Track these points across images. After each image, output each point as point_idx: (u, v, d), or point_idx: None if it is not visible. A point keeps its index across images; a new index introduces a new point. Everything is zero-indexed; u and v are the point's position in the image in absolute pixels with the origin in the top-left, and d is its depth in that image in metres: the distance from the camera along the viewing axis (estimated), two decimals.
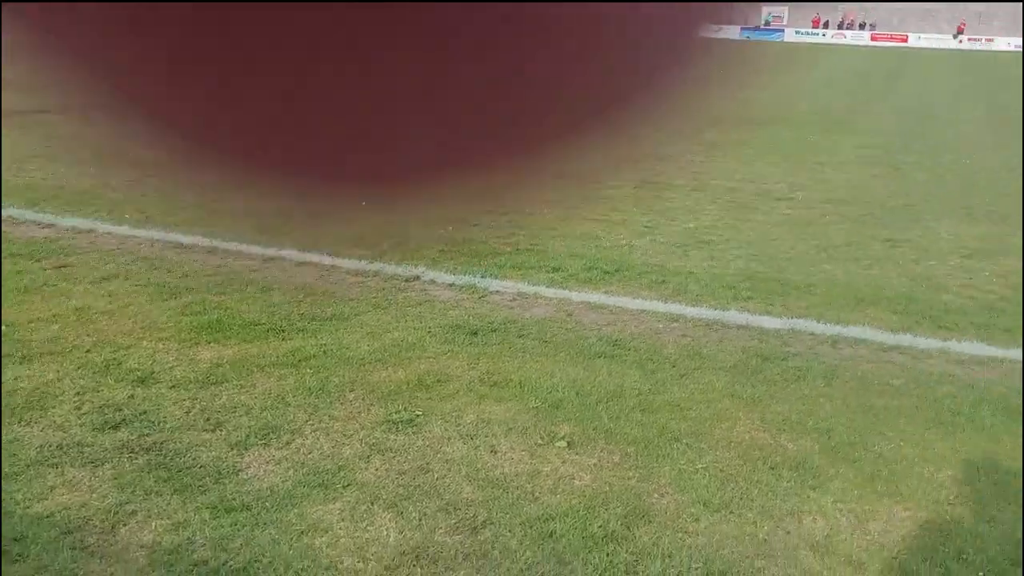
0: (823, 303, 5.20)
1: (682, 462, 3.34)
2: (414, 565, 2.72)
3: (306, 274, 5.48)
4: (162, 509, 2.96)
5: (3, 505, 2.92)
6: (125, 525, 2.87)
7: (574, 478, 3.23)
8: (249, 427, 3.52)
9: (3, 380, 3.81)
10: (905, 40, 59.82)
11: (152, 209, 6.99)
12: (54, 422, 3.51)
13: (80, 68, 0.30)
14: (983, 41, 58.51)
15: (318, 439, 3.46)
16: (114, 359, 4.12)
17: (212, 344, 4.34)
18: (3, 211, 6.72)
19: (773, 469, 3.31)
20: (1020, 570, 2.77)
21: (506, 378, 4.03)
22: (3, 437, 3.36)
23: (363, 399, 3.79)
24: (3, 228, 6.31)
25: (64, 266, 5.52)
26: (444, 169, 0.34)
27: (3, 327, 4.37)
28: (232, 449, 3.36)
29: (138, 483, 3.11)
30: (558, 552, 2.79)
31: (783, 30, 61.10)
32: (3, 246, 5.80)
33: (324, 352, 4.26)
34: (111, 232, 6.33)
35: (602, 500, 3.08)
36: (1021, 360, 4.34)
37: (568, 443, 3.46)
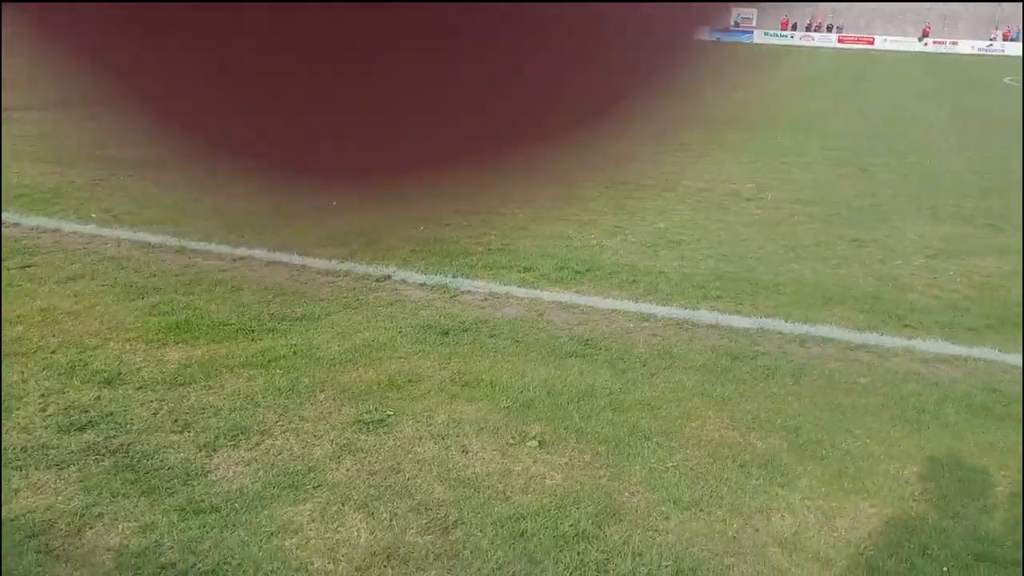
0: (791, 302, 5.26)
1: (652, 461, 3.36)
2: (385, 566, 2.72)
3: (276, 274, 5.44)
4: (129, 511, 2.93)
5: None
6: (91, 528, 2.84)
7: (545, 477, 3.24)
8: (218, 428, 3.49)
9: None
10: (872, 43, 60.59)
11: (119, 208, 6.92)
12: (18, 424, 3.46)
13: (79, 62, 0.30)
14: (948, 44, 59.41)
15: (288, 440, 3.43)
16: (80, 360, 4.07)
17: (180, 344, 4.30)
18: None
19: (742, 467, 3.34)
20: (986, 566, 2.82)
21: (477, 378, 4.03)
22: None
23: (334, 399, 3.77)
24: None
25: (29, 266, 5.44)
26: (440, 167, 0.34)
27: None
28: (201, 450, 3.33)
29: (105, 485, 3.07)
30: (529, 551, 2.80)
31: (752, 31, 61.61)
32: None
33: (294, 352, 4.24)
34: (77, 231, 6.25)
35: (573, 499, 3.10)
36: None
37: (539, 442, 3.47)
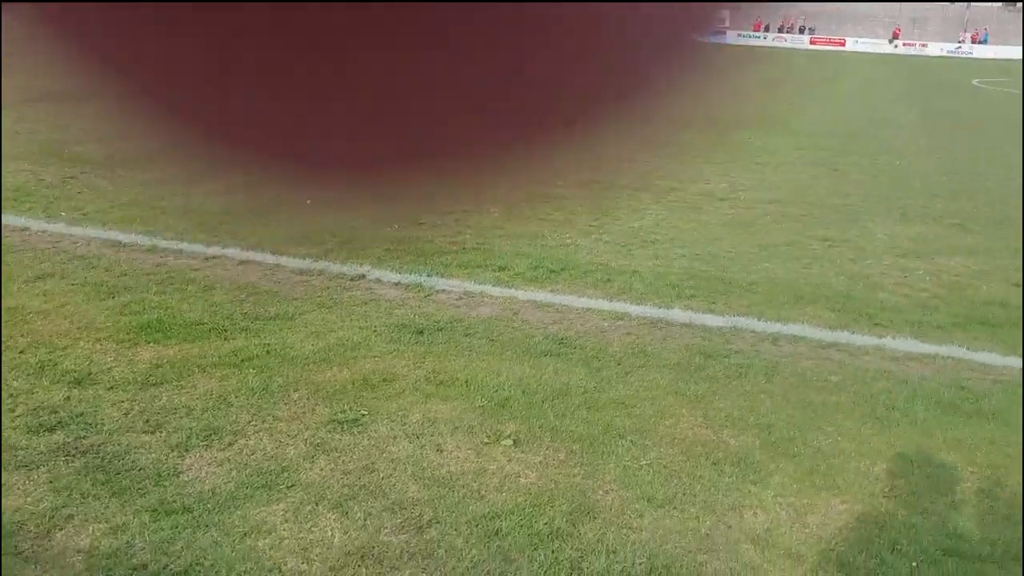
0: (764, 301, 5.30)
1: (627, 459, 3.38)
2: (359, 565, 2.71)
3: (249, 273, 5.40)
4: (100, 513, 2.90)
5: None
6: (61, 529, 2.81)
7: (520, 476, 3.24)
8: (190, 428, 3.46)
9: None
10: (843, 44, 61.15)
11: (89, 206, 6.84)
12: None
13: (81, 57, 0.30)
14: (917, 46, 60.11)
15: (261, 440, 3.41)
16: (49, 360, 4.02)
17: (152, 344, 4.25)
18: None
19: (715, 465, 3.37)
20: (954, 560, 2.86)
21: (452, 377, 4.02)
22: None
23: (307, 399, 3.76)
24: None
25: None
26: (439, 165, 0.33)
27: None
28: (172, 451, 3.30)
29: (75, 486, 3.04)
30: (504, 550, 2.80)
31: (725, 32, 61.86)
32: None
33: (267, 352, 4.21)
34: (45, 230, 6.17)
35: (548, 497, 3.10)
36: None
37: (514, 441, 3.47)
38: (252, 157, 0.32)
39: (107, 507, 2.93)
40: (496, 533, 2.88)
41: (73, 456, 3.23)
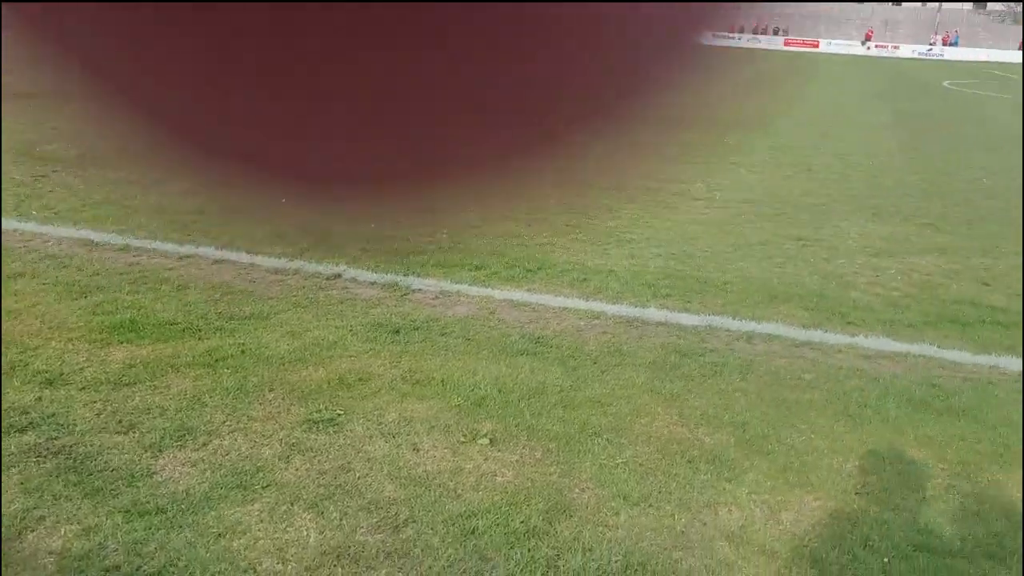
0: (738, 300, 5.34)
1: (603, 457, 3.39)
2: (335, 565, 2.70)
3: (224, 272, 5.36)
4: (72, 514, 2.87)
5: None
6: (33, 531, 2.77)
7: (496, 475, 3.24)
8: (164, 429, 3.43)
9: None
10: (816, 46, 61.68)
11: (60, 205, 6.76)
12: None
13: (66, 55, 0.29)
14: (889, 48, 60.76)
15: (236, 440, 3.39)
16: (20, 360, 3.97)
17: (125, 344, 4.21)
18: None
19: (691, 462, 3.39)
20: (925, 556, 2.89)
21: (428, 376, 4.02)
22: None
23: (283, 399, 3.74)
24: None
25: None
26: (438, 172, 0.33)
27: None
28: (146, 451, 3.28)
29: (46, 487, 3.00)
30: (480, 549, 2.81)
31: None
32: None
33: (242, 351, 4.18)
34: (16, 229, 6.09)
35: (524, 496, 3.11)
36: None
37: (490, 440, 3.47)
38: (247, 171, 0.32)
39: (79, 508, 2.90)
40: (472, 532, 2.89)
41: (45, 457, 3.20)
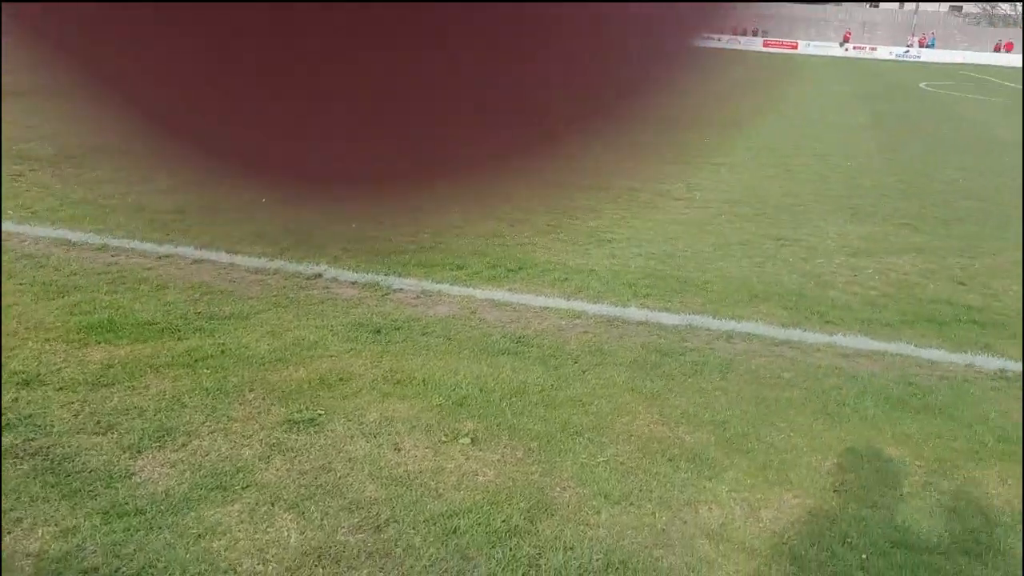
0: (719, 299, 5.37)
1: (584, 456, 3.40)
2: (316, 565, 2.69)
3: (203, 272, 5.33)
4: (49, 516, 2.84)
5: None
6: (10, 533, 2.75)
7: (478, 474, 3.25)
8: (143, 429, 3.41)
9: None
10: (795, 47, 62.06)
11: (37, 204, 6.69)
12: None
13: (67, 55, 0.29)
14: (867, 49, 61.24)
15: (216, 440, 3.37)
16: None
17: (103, 344, 4.18)
18: None
19: (671, 461, 3.40)
20: (902, 552, 2.92)
21: (410, 376, 4.01)
22: None
23: (263, 399, 3.72)
24: None
25: None
26: (437, 172, 0.33)
27: None
28: (124, 452, 3.25)
29: (23, 489, 2.97)
30: (461, 548, 2.81)
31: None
32: None
33: (222, 352, 4.16)
34: None
35: (505, 495, 3.11)
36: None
37: (472, 440, 3.47)
38: (247, 171, 0.32)
39: (57, 510, 2.88)
40: (454, 531, 2.89)
41: (22, 458, 3.16)
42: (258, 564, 2.68)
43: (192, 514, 2.90)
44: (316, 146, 0.30)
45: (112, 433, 3.38)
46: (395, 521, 2.92)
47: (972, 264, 6.49)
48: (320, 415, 3.60)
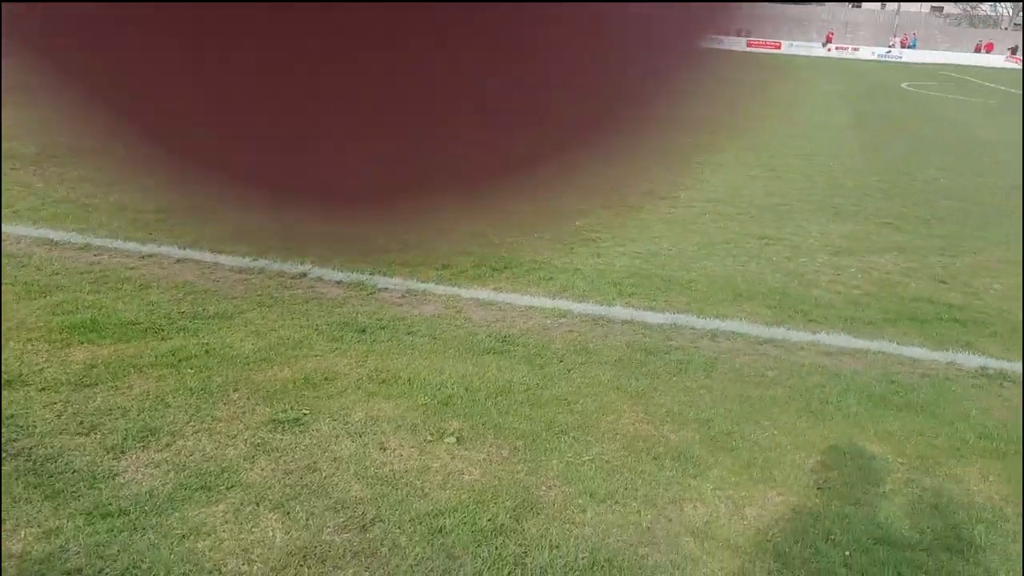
0: (703, 298, 5.39)
1: (569, 455, 3.41)
2: (301, 565, 2.69)
3: (187, 271, 5.30)
4: (32, 517, 2.83)
5: None
6: None
7: (463, 473, 3.25)
8: (126, 430, 3.39)
9: None
10: (779, 47, 62.32)
11: (19, 203, 6.63)
12: None
13: (62, 66, 0.29)
14: (849, 50, 61.57)
15: (200, 440, 3.36)
16: None
17: (85, 344, 4.15)
18: None
19: (656, 459, 3.42)
20: (884, 548, 2.95)
21: (395, 375, 4.01)
22: None
23: (248, 399, 3.71)
24: None
25: None
26: (438, 185, 0.32)
27: None
28: (108, 453, 3.23)
29: (5, 490, 2.95)
30: (447, 547, 2.81)
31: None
32: None
33: (206, 351, 4.14)
34: None
35: (491, 494, 3.12)
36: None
37: (457, 439, 3.48)
38: (246, 183, 0.31)
39: (40, 511, 2.86)
40: (440, 530, 2.89)
41: (4, 459, 3.14)
42: (243, 564, 2.67)
43: (176, 514, 2.89)
44: (314, 154, 0.30)
45: (95, 433, 3.36)
46: (381, 520, 2.92)
47: (953, 263, 6.54)
48: (305, 415, 3.59)
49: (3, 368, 3.84)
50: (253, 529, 2.84)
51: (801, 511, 3.14)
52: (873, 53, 60.49)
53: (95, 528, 2.78)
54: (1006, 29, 72.54)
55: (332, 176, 0.31)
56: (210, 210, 0.34)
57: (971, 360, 4.61)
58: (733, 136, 13.32)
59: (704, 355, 4.49)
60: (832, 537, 2.99)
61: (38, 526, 2.78)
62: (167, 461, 3.20)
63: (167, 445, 3.31)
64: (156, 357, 4.05)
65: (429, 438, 3.47)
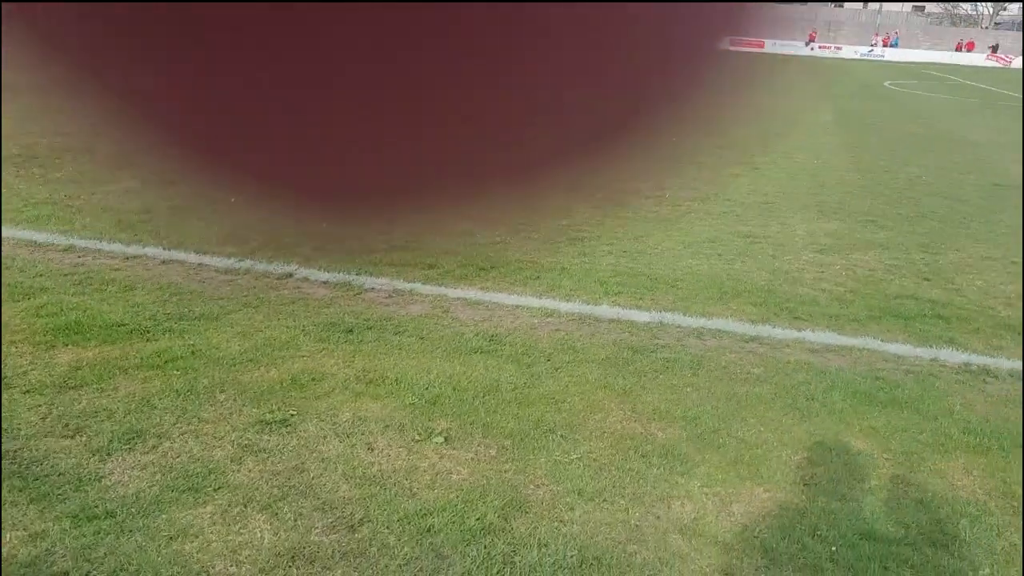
0: (689, 297, 5.41)
1: (557, 453, 3.42)
2: (290, 566, 2.68)
3: (172, 272, 5.28)
4: (17, 520, 2.81)
5: None
6: None
7: (452, 473, 3.25)
8: (112, 432, 3.37)
9: None
10: (762, 46, 62.35)
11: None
12: None
13: (57, 50, 0.29)
14: (832, 49, 61.87)
15: (187, 442, 3.35)
16: None
17: (70, 346, 4.13)
18: None
19: (644, 457, 3.43)
20: (870, 543, 2.97)
21: (382, 375, 4.00)
22: None
23: (234, 400, 3.69)
24: None
25: None
26: (440, 182, 0.32)
27: None
28: (94, 455, 3.21)
29: None
30: (436, 546, 2.81)
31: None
32: None
33: (192, 353, 4.13)
34: None
35: (479, 493, 3.12)
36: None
37: (445, 438, 3.48)
38: (245, 180, 0.31)
39: (25, 514, 2.84)
40: (428, 530, 2.89)
41: None
42: (231, 566, 2.67)
43: (163, 516, 2.88)
44: (324, 156, 0.30)
45: (81, 436, 3.34)
46: (369, 521, 2.92)
47: (936, 260, 6.59)
48: (292, 415, 3.58)
49: None
50: (241, 530, 2.83)
51: (788, 507, 3.16)
52: (856, 52, 60.80)
53: (81, 531, 2.77)
54: (986, 28, 73.15)
55: (335, 176, 0.31)
56: (209, 210, 0.34)
57: (954, 356, 4.65)
58: (711, 134, 13.36)
59: (690, 353, 4.50)
60: (818, 533, 3.01)
61: (24, 529, 2.76)
62: (154, 463, 3.19)
63: (153, 447, 3.30)
64: (142, 359, 4.03)
65: (417, 438, 3.47)
